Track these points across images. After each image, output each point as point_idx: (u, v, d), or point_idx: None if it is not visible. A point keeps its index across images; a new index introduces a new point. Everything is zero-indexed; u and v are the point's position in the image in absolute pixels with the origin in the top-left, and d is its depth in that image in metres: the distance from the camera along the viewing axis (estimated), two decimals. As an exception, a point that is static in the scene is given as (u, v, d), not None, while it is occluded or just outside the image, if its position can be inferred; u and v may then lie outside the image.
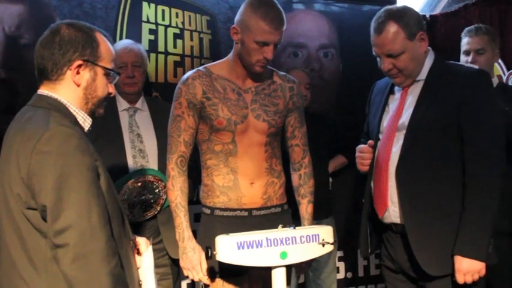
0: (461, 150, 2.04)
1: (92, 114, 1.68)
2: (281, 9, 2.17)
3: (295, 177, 2.39)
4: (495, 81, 2.91)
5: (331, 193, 3.49)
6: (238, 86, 2.26)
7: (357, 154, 2.28)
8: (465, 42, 2.93)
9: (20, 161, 1.49)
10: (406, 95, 2.18)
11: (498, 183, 2.00)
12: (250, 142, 2.24)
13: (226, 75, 2.27)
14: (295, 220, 2.32)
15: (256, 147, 2.25)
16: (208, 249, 1.98)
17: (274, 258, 1.95)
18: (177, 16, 3.48)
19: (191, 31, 3.52)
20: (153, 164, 2.78)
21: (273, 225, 2.08)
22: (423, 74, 2.14)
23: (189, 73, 2.27)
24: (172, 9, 3.48)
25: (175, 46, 3.47)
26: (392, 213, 2.14)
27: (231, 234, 1.93)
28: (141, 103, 2.88)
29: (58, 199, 1.45)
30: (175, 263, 2.76)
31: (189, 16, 3.53)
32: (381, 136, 2.22)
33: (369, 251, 2.30)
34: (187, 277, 2.24)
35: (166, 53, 3.45)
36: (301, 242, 2.00)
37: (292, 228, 2.01)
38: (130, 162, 2.75)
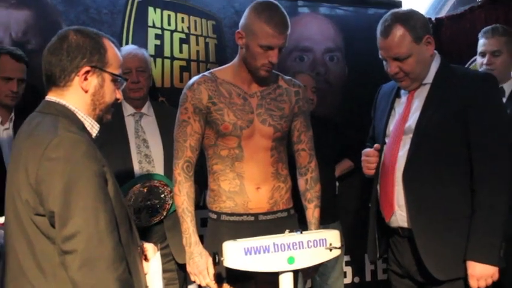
0: (469, 153, 2.03)
1: (99, 120, 1.69)
2: (285, 13, 2.18)
3: (301, 182, 2.38)
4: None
5: (337, 197, 3.48)
6: (244, 91, 2.26)
7: (363, 158, 2.28)
8: (481, 43, 2.88)
9: (29, 167, 1.49)
10: (413, 98, 2.17)
11: (507, 186, 1.99)
12: (256, 147, 2.24)
13: (231, 80, 2.27)
14: (301, 225, 2.31)
15: (262, 152, 2.25)
16: (216, 255, 1.97)
17: (281, 263, 1.94)
18: (183, 21, 3.49)
19: (197, 36, 3.53)
20: (159, 169, 2.78)
21: (279, 230, 2.07)
22: (429, 78, 2.14)
23: (194, 78, 2.28)
24: (178, 14, 3.48)
25: (181, 51, 3.48)
26: (399, 217, 2.13)
27: (238, 239, 1.93)
28: (146, 108, 2.89)
29: (66, 205, 1.45)
30: (181, 268, 2.76)
31: (195, 21, 3.53)
32: (387, 140, 2.22)
33: (377, 255, 2.29)
34: (194, 282, 2.24)
35: (172, 58, 3.45)
36: (308, 247, 1.99)
37: (299, 232, 2.00)
38: (136, 168, 2.76)
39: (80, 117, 1.63)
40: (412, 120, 2.12)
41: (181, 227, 2.20)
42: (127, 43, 3.29)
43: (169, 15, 3.46)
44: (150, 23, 3.40)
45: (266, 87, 2.30)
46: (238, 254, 1.89)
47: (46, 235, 1.51)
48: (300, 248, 1.97)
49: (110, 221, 1.50)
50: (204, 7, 3.58)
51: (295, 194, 2.40)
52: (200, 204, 3.01)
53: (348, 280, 3.84)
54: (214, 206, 2.28)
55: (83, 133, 1.58)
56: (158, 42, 3.41)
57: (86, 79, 1.62)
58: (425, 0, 4.56)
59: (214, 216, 2.28)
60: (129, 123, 2.83)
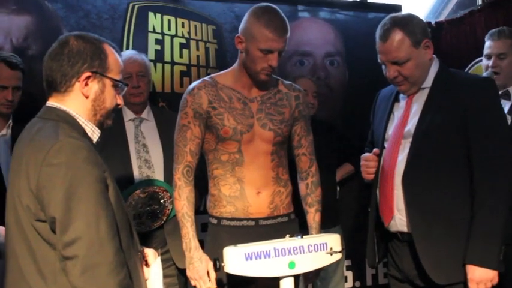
0: (468, 157, 2.03)
1: (100, 125, 1.69)
2: (284, 17, 2.18)
3: (302, 187, 2.38)
4: None
5: (338, 202, 3.48)
6: (244, 96, 2.27)
7: (362, 163, 2.28)
8: (487, 45, 2.87)
9: (30, 172, 1.49)
10: (412, 102, 2.17)
11: (507, 189, 1.99)
12: (256, 151, 2.24)
13: (231, 84, 2.27)
14: (302, 229, 2.31)
15: (262, 156, 2.25)
16: (216, 261, 1.97)
17: (282, 268, 1.94)
18: (183, 26, 3.50)
19: (197, 41, 3.54)
20: (158, 174, 2.78)
21: (280, 235, 2.08)
22: (428, 82, 2.14)
23: (194, 83, 2.28)
24: (179, 19, 3.49)
25: (181, 56, 3.49)
26: (399, 221, 2.13)
27: (238, 245, 1.93)
28: (146, 113, 2.89)
29: (67, 211, 1.45)
30: (182, 273, 2.75)
31: (195, 26, 3.54)
32: (386, 144, 2.22)
33: (376, 260, 2.28)
34: (194, 287, 2.23)
35: (173, 63, 3.46)
36: (309, 251, 2.00)
37: (299, 237, 2.00)
38: (136, 173, 2.75)
39: (80, 122, 1.63)
40: (411, 125, 2.12)
41: (181, 232, 2.20)
42: (127, 48, 3.29)
43: (169, 20, 3.47)
44: (150, 28, 3.41)
45: (266, 91, 2.31)
46: (239, 260, 1.89)
47: (47, 241, 1.50)
48: (300, 253, 1.97)
49: (111, 226, 1.50)
50: (204, 12, 3.59)
51: (296, 199, 2.40)
52: (200, 209, 3.01)
53: (348, 284, 3.83)
54: (214, 211, 2.28)
55: (84, 139, 1.58)
56: (158, 47, 3.42)
57: (86, 84, 1.62)
58: (425, 4, 4.58)
59: (215, 221, 2.28)
60: (129, 128, 2.83)
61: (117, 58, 1.69)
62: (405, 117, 2.16)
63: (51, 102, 1.64)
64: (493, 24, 3.67)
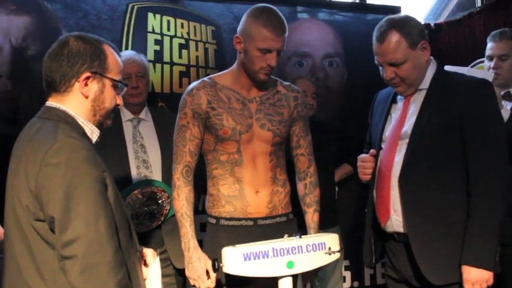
0: (464, 158, 2.04)
1: (99, 125, 1.69)
2: (282, 16, 2.19)
3: (300, 187, 2.39)
4: None
5: (337, 202, 3.48)
6: (243, 96, 2.27)
7: (359, 163, 2.28)
8: (489, 47, 2.87)
9: (29, 172, 1.50)
10: (409, 104, 2.18)
11: (502, 191, 1.99)
12: (255, 152, 2.25)
13: (230, 85, 2.28)
14: (301, 229, 2.32)
15: (261, 157, 2.26)
16: (215, 261, 1.98)
17: (281, 268, 1.95)
18: (182, 26, 3.50)
19: (196, 41, 3.54)
20: (156, 174, 2.77)
21: (278, 235, 2.08)
22: (425, 83, 2.14)
23: (193, 84, 2.29)
24: (178, 20, 3.50)
25: (180, 56, 3.49)
26: (395, 222, 2.13)
27: (237, 245, 1.94)
28: (144, 113, 2.89)
29: (66, 211, 1.45)
30: (180, 272, 2.76)
31: (194, 26, 3.55)
32: (383, 145, 2.22)
33: (373, 260, 2.29)
34: (193, 286, 2.24)
35: (172, 63, 3.46)
36: (307, 251, 2.00)
37: (298, 237, 2.01)
38: (134, 173, 2.75)
39: (80, 122, 1.64)
40: (408, 126, 2.13)
41: (180, 232, 2.20)
42: (127, 49, 3.29)
43: (168, 21, 3.47)
44: (149, 29, 3.42)
45: (265, 92, 2.31)
46: (238, 260, 1.89)
47: (46, 240, 1.51)
48: (299, 253, 1.98)
49: (110, 226, 1.50)
50: (204, 13, 3.59)
51: (295, 199, 2.40)
52: (199, 209, 3.02)
53: (347, 284, 3.84)
54: (213, 211, 2.28)
55: (83, 139, 1.59)
56: (158, 47, 3.42)
57: (86, 85, 1.63)
58: (424, 6, 4.59)
59: (213, 220, 2.28)
60: (127, 128, 2.83)
61: (116, 58, 1.70)
62: (402, 118, 2.17)
63: (51, 102, 1.65)
64: (492, 26, 3.68)
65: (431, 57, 2.17)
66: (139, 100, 2.84)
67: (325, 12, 4.06)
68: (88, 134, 1.65)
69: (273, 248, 1.94)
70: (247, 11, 2.21)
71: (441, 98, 2.09)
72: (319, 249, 2.02)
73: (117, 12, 3.35)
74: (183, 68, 3.50)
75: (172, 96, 3.39)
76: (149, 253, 1.83)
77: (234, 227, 2.24)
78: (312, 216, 2.35)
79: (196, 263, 2.16)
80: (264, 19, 2.14)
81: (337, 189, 3.53)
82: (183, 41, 3.50)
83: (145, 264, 1.81)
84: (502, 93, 2.75)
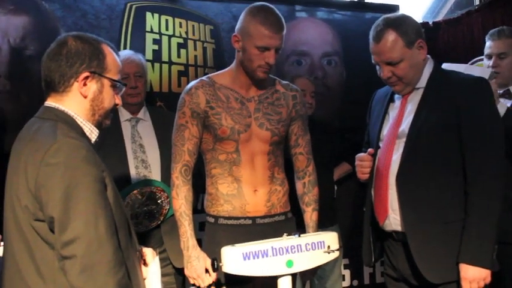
0: (462, 157, 2.04)
1: (98, 125, 1.69)
2: (280, 14, 2.19)
3: (299, 186, 2.39)
4: None
5: (336, 201, 3.48)
6: (242, 95, 2.27)
7: (357, 163, 2.29)
8: (487, 45, 2.87)
9: (28, 172, 1.50)
10: (406, 102, 2.18)
11: (500, 189, 2.00)
12: (253, 151, 2.25)
13: (229, 84, 2.28)
14: (299, 228, 2.32)
15: (259, 156, 2.26)
16: (214, 261, 1.98)
17: (280, 267, 1.95)
18: (180, 26, 3.50)
19: (195, 41, 3.54)
20: (155, 174, 2.77)
21: (277, 234, 2.08)
22: (423, 82, 2.15)
23: (192, 83, 2.29)
24: (176, 19, 3.49)
25: (179, 56, 3.49)
26: (393, 220, 2.13)
27: (236, 245, 1.94)
28: (143, 113, 2.89)
29: (65, 210, 1.45)
30: (179, 272, 2.76)
31: (193, 26, 3.55)
32: (381, 144, 2.22)
33: (373, 259, 2.29)
34: (192, 285, 2.24)
35: (170, 63, 3.46)
36: (306, 250, 2.00)
37: (297, 236, 2.01)
38: (133, 173, 2.75)
39: (79, 122, 1.64)
40: (405, 124, 2.13)
41: (179, 231, 2.20)
42: (125, 48, 3.29)
43: (167, 20, 3.47)
44: (148, 28, 3.41)
45: (264, 91, 2.31)
46: (237, 259, 1.89)
47: (45, 240, 1.51)
48: (298, 251, 1.98)
49: (110, 225, 1.50)
50: (202, 12, 3.59)
51: (293, 198, 2.40)
52: (198, 208, 3.01)
53: (346, 283, 3.84)
54: (212, 210, 2.28)
55: (83, 138, 1.59)
56: (156, 47, 3.42)
57: (85, 84, 1.63)
58: (422, 4, 4.59)
59: (212, 220, 2.28)
60: (126, 128, 2.83)
61: (115, 58, 1.70)
62: (400, 117, 2.17)
63: (50, 102, 1.65)
64: (490, 24, 3.68)
65: (428, 56, 2.18)
66: (137, 100, 2.84)
67: (324, 11, 4.06)
68: (87, 133, 1.65)
69: (272, 247, 1.94)
70: (245, 9, 2.22)
71: (438, 96, 2.09)
72: (318, 247, 2.02)
73: (116, 11, 3.34)
74: (182, 68, 3.49)
75: (170, 95, 3.39)
76: (148, 252, 1.83)
77: (232, 226, 2.24)
78: (310, 215, 2.36)
79: (195, 262, 2.16)
80: (262, 17, 2.14)
81: (336, 188, 3.53)
82: (181, 41, 3.50)
83: (145, 264, 1.81)
84: (502, 91, 2.75)
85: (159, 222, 2.75)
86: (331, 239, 2.07)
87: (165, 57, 3.45)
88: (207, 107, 2.22)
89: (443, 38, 4.20)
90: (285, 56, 3.77)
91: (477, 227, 1.97)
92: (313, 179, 2.39)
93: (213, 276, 2.15)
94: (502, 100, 2.70)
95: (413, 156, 2.08)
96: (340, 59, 4.00)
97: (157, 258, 1.84)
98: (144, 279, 1.77)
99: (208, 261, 2.13)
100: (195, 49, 3.54)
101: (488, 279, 1.99)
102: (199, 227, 3.01)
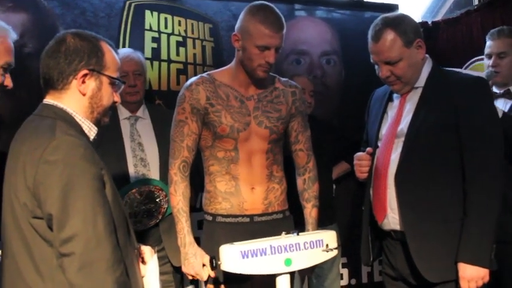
0: (460, 156, 2.04)
1: (97, 123, 1.69)
2: (280, 13, 2.19)
3: (299, 182, 2.39)
4: None
5: (334, 199, 3.49)
6: (241, 94, 2.27)
7: (355, 162, 2.29)
8: (487, 45, 2.86)
9: (27, 170, 1.49)
10: (405, 102, 2.18)
11: (499, 188, 2.00)
12: (252, 149, 2.25)
13: (229, 82, 2.28)
14: (297, 226, 2.32)
15: (258, 154, 2.26)
16: (213, 259, 1.98)
17: (278, 266, 1.95)
18: (179, 24, 3.50)
19: (194, 39, 3.54)
20: (154, 172, 2.77)
21: (275, 232, 2.08)
22: (421, 81, 2.15)
23: (192, 79, 2.28)
24: (175, 18, 3.49)
25: (178, 54, 3.49)
26: (392, 219, 2.13)
27: (234, 243, 1.93)
28: (142, 111, 2.89)
29: (64, 208, 1.45)
30: (177, 270, 2.76)
31: (192, 24, 3.54)
32: (379, 143, 2.23)
33: (371, 258, 2.29)
34: (190, 282, 2.24)
35: (169, 61, 3.46)
36: (305, 248, 2.00)
37: (295, 234, 2.01)
38: (132, 171, 2.75)
39: (77, 120, 1.63)
40: (404, 124, 2.13)
41: (176, 227, 2.19)
42: (124, 46, 3.29)
43: (166, 18, 3.47)
44: (147, 26, 3.41)
45: (263, 90, 2.31)
46: (236, 258, 1.89)
47: (44, 238, 1.51)
48: (296, 250, 1.98)
49: (108, 223, 1.50)
50: (201, 10, 3.59)
51: (291, 196, 2.40)
52: (197, 207, 3.01)
53: (344, 282, 3.84)
54: (210, 208, 2.28)
55: (81, 136, 1.58)
56: (155, 45, 3.42)
57: (83, 82, 1.63)
58: (421, 4, 4.58)
59: (210, 218, 2.28)
60: (125, 126, 2.83)
61: (114, 56, 1.69)
62: (398, 116, 2.17)
63: (48, 100, 1.64)
64: (489, 24, 3.68)
65: (427, 55, 2.18)
66: (137, 98, 2.84)
67: (323, 10, 4.06)
68: (86, 131, 1.65)
69: (270, 246, 1.94)
70: (245, 8, 2.21)
71: (437, 96, 2.09)
72: (316, 246, 2.02)
73: (115, 9, 3.34)
74: (181, 66, 3.49)
75: (169, 93, 3.38)
76: (147, 251, 1.83)
77: (230, 224, 2.24)
78: (310, 212, 2.35)
79: (193, 259, 2.15)
80: (262, 16, 2.14)
81: (334, 186, 3.53)
82: (180, 39, 3.50)
83: (143, 262, 1.81)
84: (502, 91, 2.75)
85: (158, 220, 2.75)
86: (329, 237, 2.07)
87: (164, 56, 3.45)
88: (207, 103, 2.22)
89: (442, 38, 4.20)
90: (284, 54, 3.77)
91: (476, 227, 1.97)
92: (314, 175, 2.39)
93: (211, 272, 2.14)
94: (501, 101, 2.70)
95: (412, 156, 2.08)
96: (339, 58, 4.00)
97: (155, 256, 1.84)
98: (143, 277, 1.77)
99: (206, 258, 2.12)
100: (194, 47, 3.54)
101: (487, 279, 1.99)
102: (198, 226, 3.01)
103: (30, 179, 1.48)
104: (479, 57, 3.24)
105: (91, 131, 1.67)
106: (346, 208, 3.69)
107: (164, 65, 3.45)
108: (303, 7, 4.00)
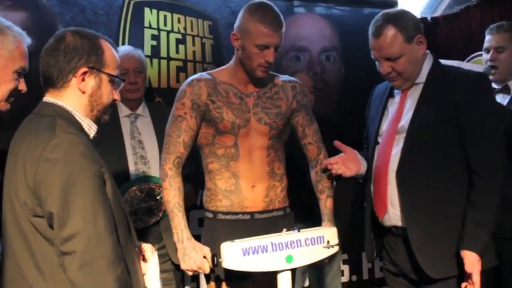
0: (461, 152, 2.04)
1: (97, 121, 1.69)
2: (279, 12, 2.18)
3: (312, 174, 2.38)
4: None
5: (335, 195, 3.48)
6: (241, 91, 2.27)
7: (329, 166, 2.27)
8: (486, 40, 2.86)
9: (27, 169, 1.49)
10: (406, 98, 2.18)
11: (500, 183, 2.00)
12: (252, 146, 2.25)
13: (228, 80, 2.27)
14: (297, 223, 2.32)
15: (258, 151, 2.26)
16: (214, 256, 1.97)
17: (280, 263, 1.95)
18: (179, 21, 3.50)
19: (193, 36, 3.54)
20: (154, 170, 2.77)
21: (275, 229, 2.09)
22: (422, 77, 2.15)
23: (193, 76, 2.28)
24: (175, 15, 3.49)
25: (177, 51, 3.48)
26: (392, 215, 2.14)
27: (235, 240, 1.93)
28: (142, 109, 2.89)
29: (64, 206, 1.45)
30: (178, 268, 2.75)
31: (191, 21, 3.54)
32: (380, 139, 2.23)
33: (374, 254, 2.30)
34: (191, 278, 2.22)
35: (169, 59, 3.46)
36: (306, 245, 2.01)
37: (296, 231, 2.01)
38: (132, 169, 2.75)
39: (77, 118, 1.63)
40: (405, 120, 2.13)
41: (171, 223, 2.14)
42: (123, 44, 3.28)
43: (165, 16, 3.46)
44: (146, 24, 3.41)
45: (262, 87, 2.31)
46: (237, 255, 1.90)
47: (44, 236, 1.51)
48: (297, 247, 1.98)
49: (109, 221, 1.50)
50: (200, 8, 3.58)
51: (292, 193, 2.40)
52: (197, 204, 3.01)
53: (345, 278, 3.85)
54: (210, 205, 2.28)
55: (81, 134, 1.58)
56: (154, 42, 3.42)
57: (83, 80, 1.63)
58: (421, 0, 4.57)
59: (211, 215, 2.28)
60: (125, 124, 2.83)
61: (113, 53, 1.69)
62: (399, 112, 2.17)
63: (48, 98, 1.64)
64: (489, 19, 3.67)
65: (428, 51, 2.17)
66: (137, 96, 2.84)
67: (322, 6, 4.06)
68: (86, 129, 1.65)
69: (271, 243, 1.94)
70: (244, 7, 2.20)
71: (438, 92, 2.09)
72: (317, 243, 2.03)
73: (114, 7, 3.33)
74: (180, 63, 3.49)
75: (169, 91, 3.38)
76: (147, 248, 1.83)
77: (231, 221, 2.24)
78: (325, 203, 2.32)
79: (193, 253, 2.10)
80: (260, 15, 2.13)
81: (335, 183, 3.53)
82: (180, 36, 3.49)
83: (144, 260, 1.81)
84: (500, 86, 2.75)
85: (158, 218, 2.75)
86: (330, 234, 2.08)
87: (163, 53, 3.44)
88: (208, 99, 2.21)
89: (441, 34, 4.20)
90: (283, 51, 3.76)
91: (473, 217, 1.98)
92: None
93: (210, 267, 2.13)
94: (499, 96, 2.70)
95: (413, 152, 2.08)
96: (339, 54, 4.00)
97: (156, 254, 1.84)
98: (143, 274, 1.77)
99: (206, 249, 2.09)
100: (194, 45, 3.54)
101: (479, 267, 1.98)
102: (199, 223, 3.01)
103: (30, 177, 1.48)
104: (479, 52, 3.23)
105: (91, 129, 1.67)
106: (346, 204, 3.68)
107: (164, 62, 3.44)
108: (302, 3, 3.99)
